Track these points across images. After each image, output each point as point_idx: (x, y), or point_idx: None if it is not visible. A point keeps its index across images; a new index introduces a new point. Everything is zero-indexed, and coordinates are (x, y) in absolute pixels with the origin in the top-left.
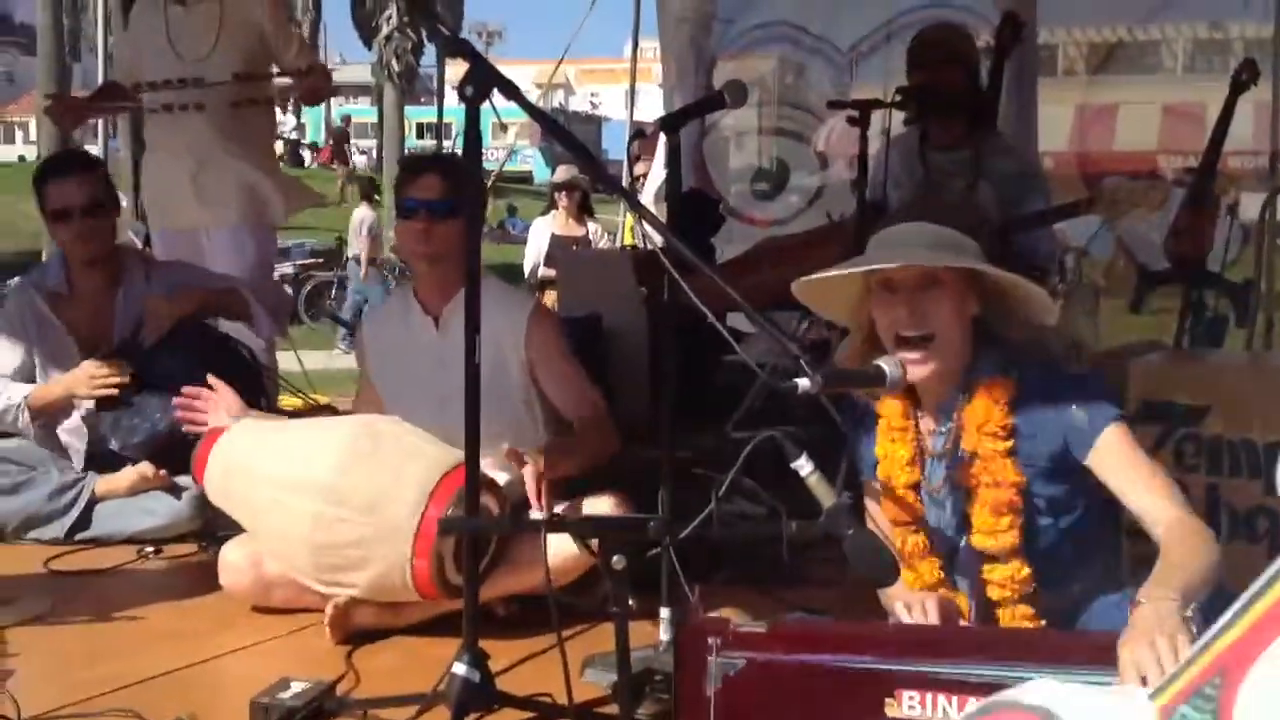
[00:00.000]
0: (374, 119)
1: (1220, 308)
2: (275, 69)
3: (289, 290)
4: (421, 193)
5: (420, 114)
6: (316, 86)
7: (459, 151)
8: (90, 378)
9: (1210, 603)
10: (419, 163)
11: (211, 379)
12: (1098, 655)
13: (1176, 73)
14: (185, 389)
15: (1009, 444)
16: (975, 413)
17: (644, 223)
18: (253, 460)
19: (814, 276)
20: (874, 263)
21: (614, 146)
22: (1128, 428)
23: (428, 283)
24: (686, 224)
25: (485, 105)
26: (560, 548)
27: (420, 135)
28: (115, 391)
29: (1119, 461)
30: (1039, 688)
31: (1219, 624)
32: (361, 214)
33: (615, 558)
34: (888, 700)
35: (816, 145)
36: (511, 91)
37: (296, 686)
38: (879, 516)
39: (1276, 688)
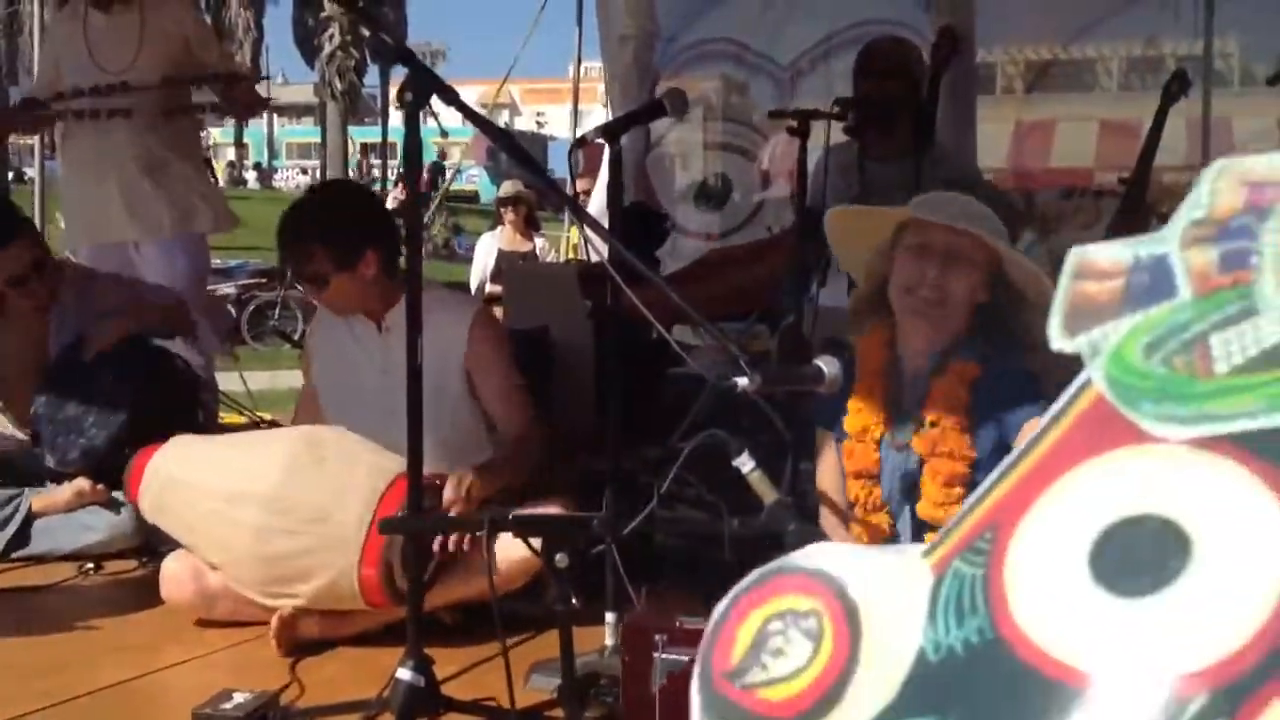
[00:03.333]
0: (316, 139)
1: None
2: (202, 75)
3: (231, 311)
4: (297, 268)
5: (364, 134)
6: (244, 97)
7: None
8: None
9: None
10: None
11: None
12: None
13: (1112, 90)
14: None
15: (966, 420)
16: (943, 385)
17: (589, 230)
18: (190, 475)
19: (861, 207)
20: (931, 215)
21: (560, 165)
22: None
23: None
24: (631, 236)
25: (427, 115)
26: (507, 553)
27: (365, 154)
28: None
29: None
30: (817, 551)
31: (988, 481)
32: None
33: (559, 555)
34: None
35: (760, 164)
36: (451, 98)
37: (238, 697)
38: (830, 470)
39: (1043, 538)
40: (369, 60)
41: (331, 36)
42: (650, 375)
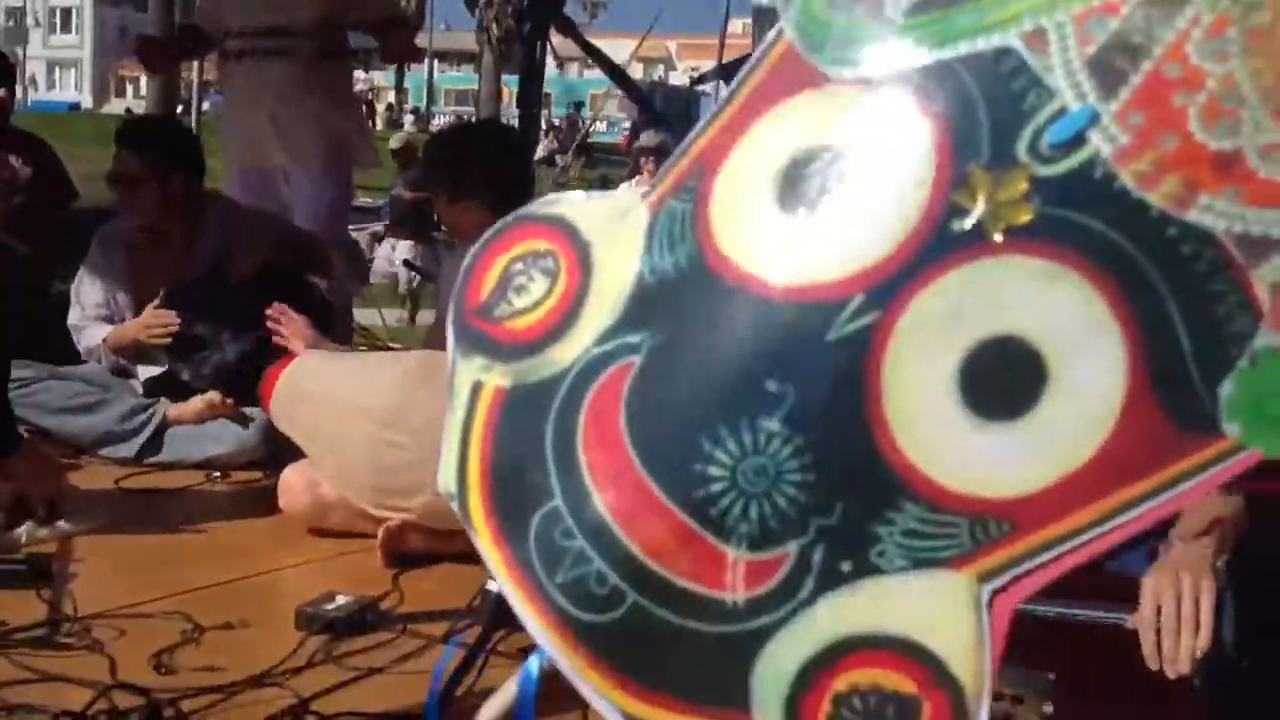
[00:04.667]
0: (474, 86)
1: None
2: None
3: (368, 252)
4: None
5: (515, 82)
6: (399, 46)
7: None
8: (146, 326)
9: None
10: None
11: (288, 309)
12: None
13: None
14: (274, 306)
15: None
16: None
17: None
18: (316, 387)
19: None
20: None
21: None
22: None
23: None
24: None
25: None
26: None
27: (519, 104)
28: (168, 340)
29: None
30: (554, 199)
31: (697, 129)
32: None
33: None
34: None
35: None
36: (567, 27)
37: (341, 599)
38: None
39: (740, 175)
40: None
41: None
42: None
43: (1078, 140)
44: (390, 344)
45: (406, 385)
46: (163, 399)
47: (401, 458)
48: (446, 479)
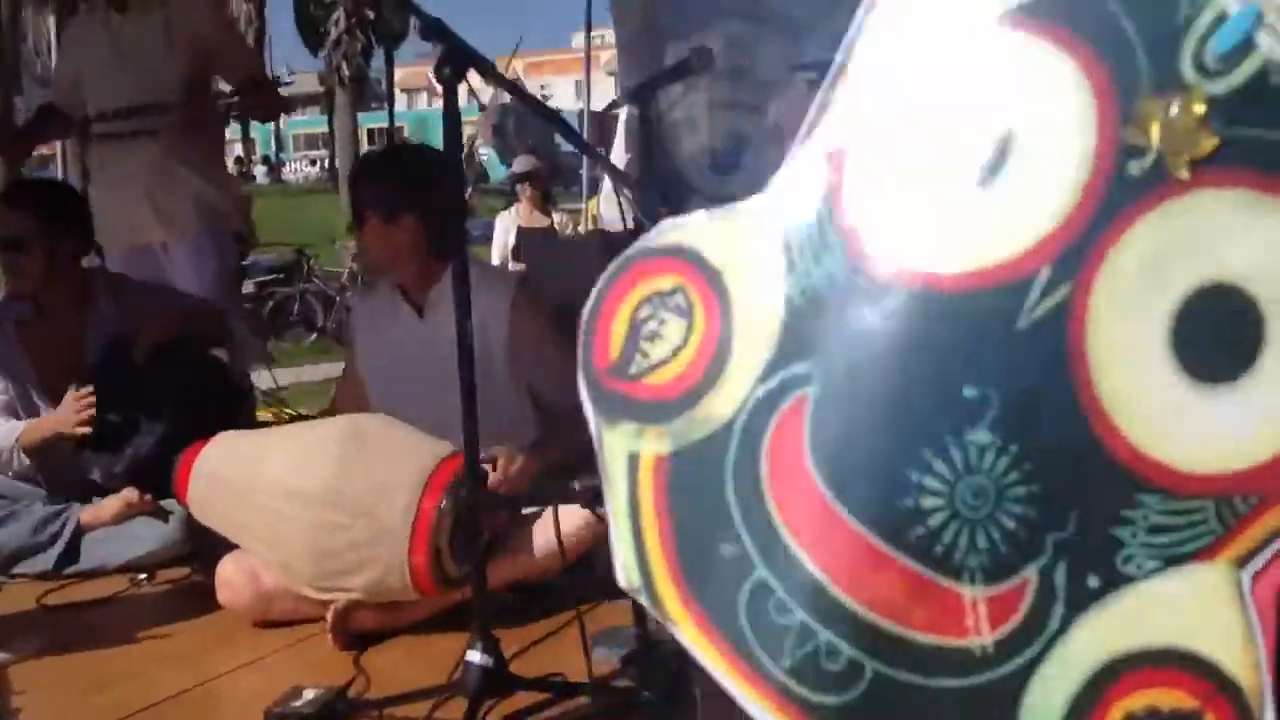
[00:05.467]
0: (323, 129)
1: None
2: (225, 87)
3: (250, 308)
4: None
5: (371, 120)
6: (268, 104)
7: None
8: (75, 412)
9: None
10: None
11: None
12: None
13: None
14: None
15: None
16: None
17: (624, 197)
18: (237, 472)
19: None
20: None
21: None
22: None
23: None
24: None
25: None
26: (556, 530)
27: (371, 141)
28: (90, 428)
29: None
30: (667, 226)
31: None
32: None
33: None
34: None
35: (770, 120)
36: (487, 69)
37: (309, 694)
38: None
39: (877, 163)
40: (375, 44)
41: (337, 21)
42: None
43: (1246, 45)
44: (284, 407)
45: (337, 460)
46: (74, 503)
47: (344, 538)
48: (628, 573)
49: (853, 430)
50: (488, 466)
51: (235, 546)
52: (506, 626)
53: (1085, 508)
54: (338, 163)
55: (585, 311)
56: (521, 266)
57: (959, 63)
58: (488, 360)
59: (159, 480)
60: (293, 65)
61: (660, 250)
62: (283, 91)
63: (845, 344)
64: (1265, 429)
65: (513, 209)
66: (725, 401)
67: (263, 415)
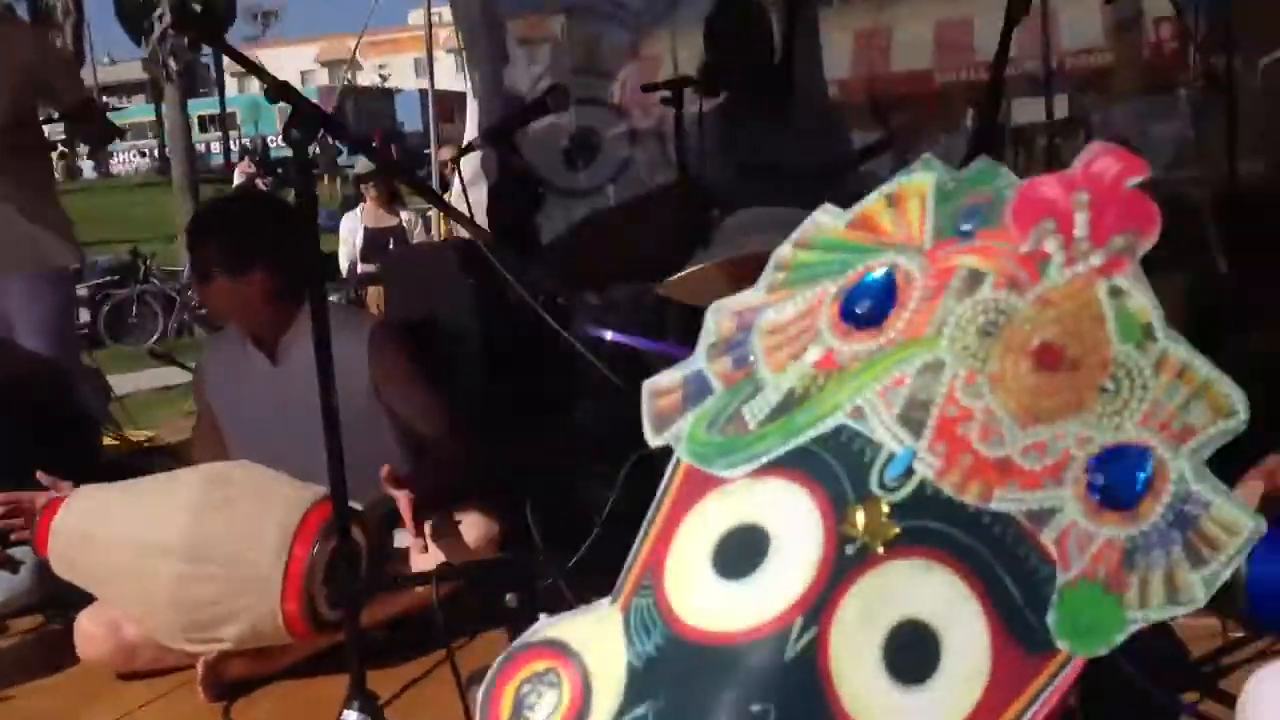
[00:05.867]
0: (151, 117)
1: None
2: (50, 114)
3: (86, 312)
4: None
5: (201, 106)
6: (98, 132)
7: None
8: None
9: None
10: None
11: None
12: None
13: None
14: None
15: None
16: None
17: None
18: (97, 528)
19: (682, 275)
20: (741, 247)
21: (409, 117)
22: None
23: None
24: (508, 208)
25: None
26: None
27: (203, 128)
28: None
29: None
30: (541, 625)
31: (637, 543)
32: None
33: (509, 596)
34: None
35: (613, 99)
36: (339, 131)
37: None
38: None
39: (681, 563)
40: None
41: (161, 16)
42: (546, 341)
43: (908, 472)
44: (132, 429)
45: (200, 512)
46: None
47: (210, 590)
48: None
49: None
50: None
51: (89, 595)
52: (379, 666)
53: None
54: (169, 153)
55: (481, 691)
56: (372, 267)
57: (734, 507)
58: (348, 402)
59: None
60: (114, 53)
61: (538, 643)
62: (104, 79)
63: (670, 690)
64: (947, 710)
65: (358, 209)
66: None
67: (106, 442)
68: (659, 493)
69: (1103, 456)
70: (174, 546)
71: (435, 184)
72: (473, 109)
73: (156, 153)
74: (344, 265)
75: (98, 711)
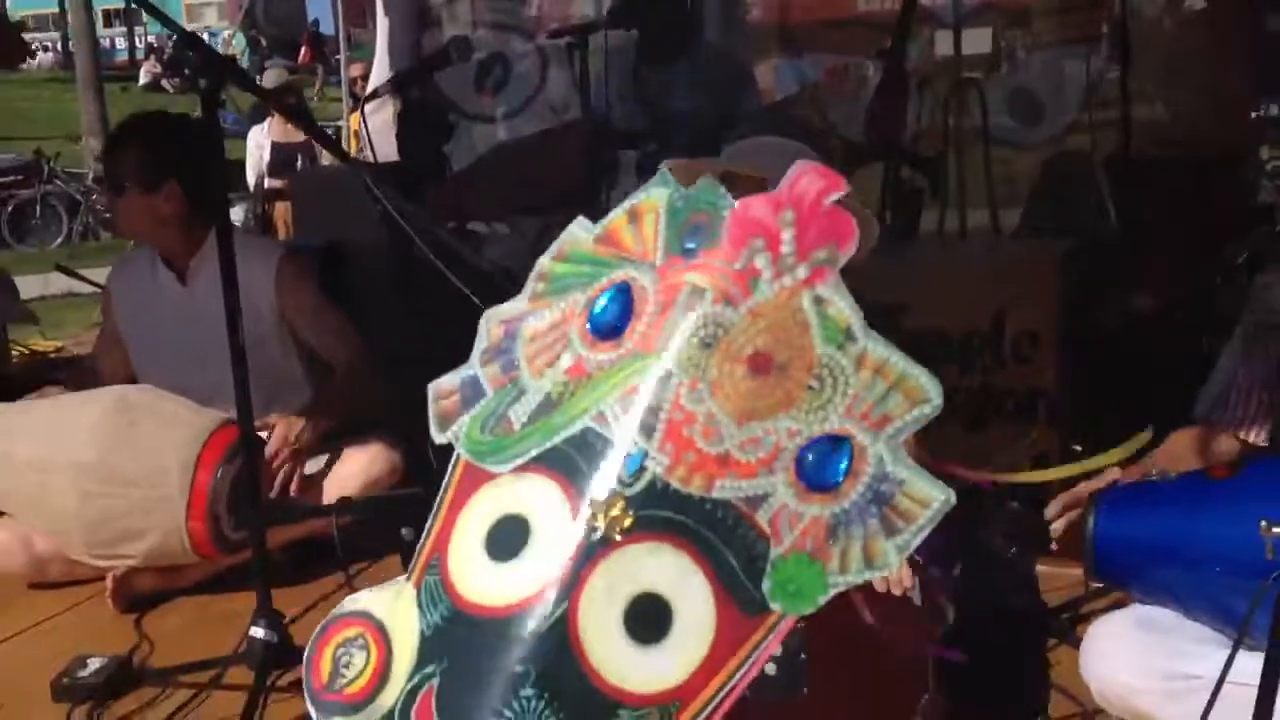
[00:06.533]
0: (54, 9)
1: (915, 181)
2: None
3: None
4: (105, 170)
5: (105, 0)
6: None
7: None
8: None
9: None
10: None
11: None
12: None
13: None
14: None
15: None
16: None
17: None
18: (8, 446)
19: (688, 161)
20: (759, 169)
21: (323, 16)
22: None
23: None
24: (416, 137)
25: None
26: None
27: (108, 23)
28: None
29: None
30: (352, 598)
31: (427, 529)
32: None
33: (405, 530)
34: None
35: (532, 9)
36: (245, 81)
37: (94, 663)
38: None
39: (461, 547)
40: None
41: None
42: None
43: (641, 470)
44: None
45: (109, 435)
46: None
47: (117, 507)
48: None
49: (456, 700)
50: (263, 434)
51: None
52: (284, 585)
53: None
54: (72, 46)
55: (306, 653)
56: (279, 183)
57: (501, 500)
58: (254, 326)
59: None
60: None
61: (350, 613)
62: None
63: (454, 654)
64: (676, 668)
65: (266, 123)
66: (390, 696)
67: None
68: (443, 484)
69: (809, 446)
70: (79, 466)
71: (345, 97)
72: (383, 27)
73: (59, 45)
74: (250, 179)
75: (12, 620)
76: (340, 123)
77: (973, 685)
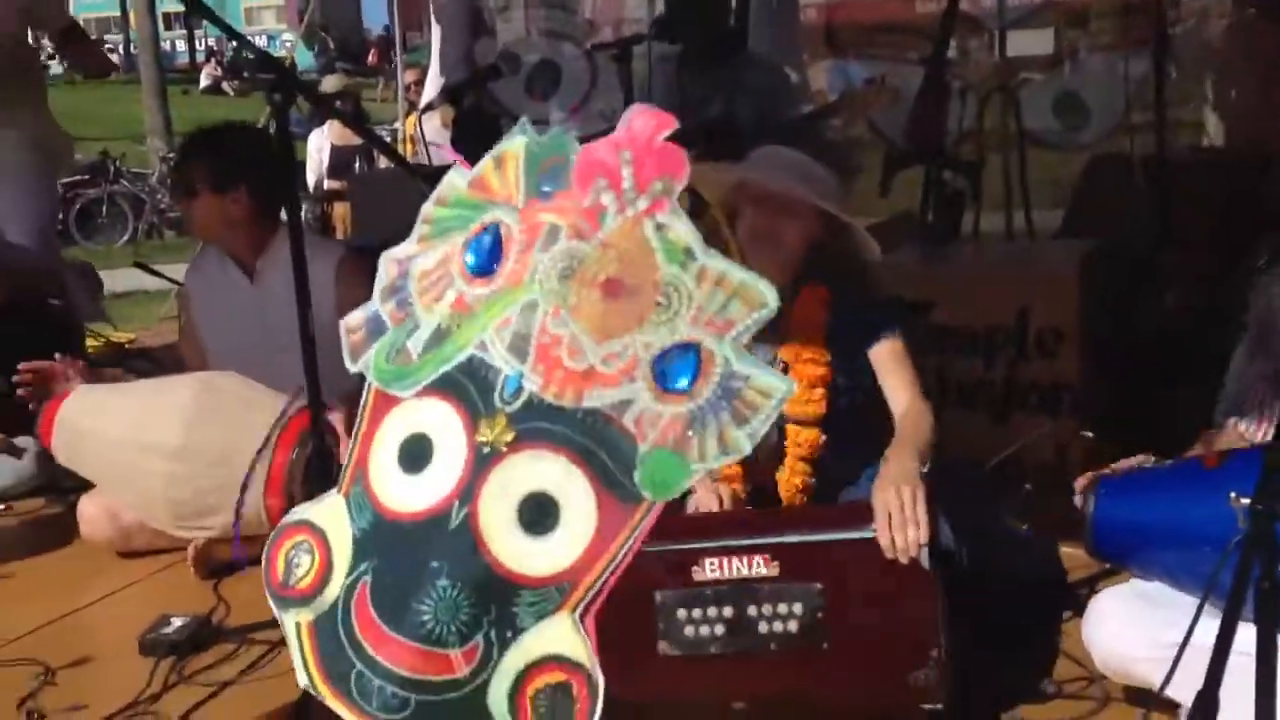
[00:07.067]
0: (115, 12)
1: (956, 184)
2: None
3: (100, 275)
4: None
5: (165, 3)
6: (81, 53)
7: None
8: None
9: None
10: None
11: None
12: (851, 518)
13: None
14: (22, 365)
15: (823, 333)
16: (801, 307)
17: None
18: (98, 425)
19: (709, 165)
20: (763, 178)
21: (374, 15)
22: (903, 338)
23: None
24: (470, 141)
25: None
26: None
27: (168, 26)
28: None
29: (890, 361)
30: (301, 508)
31: (349, 447)
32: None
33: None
34: (694, 568)
35: (585, 14)
36: (315, 96)
37: (176, 621)
38: None
39: (379, 462)
40: None
41: None
42: None
43: (520, 388)
44: (111, 331)
45: (191, 420)
46: None
47: (197, 486)
48: (301, 676)
49: (386, 592)
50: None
51: (87, 481)
52: None
53: (498, 602)
54: (134, 49)
55: (264, 552)
56: (337, 185)
57: (407, 420)
58: (316, 322)
59: (7, 417)
60: None
61: (295, 522)
62: None
63: (380, 553)
64: (566, 553)
65: (325, 126)
66: (334, 590)
67: (91, 345)
68: (360, 407)
69: (662, 355)
70: (166, 448)
71: (400, 101)
72: (437, 34)
73: (122, 48)
74: (310, 181)
75: (102, 584)
76: (396, 125)
77: (981, 649)
